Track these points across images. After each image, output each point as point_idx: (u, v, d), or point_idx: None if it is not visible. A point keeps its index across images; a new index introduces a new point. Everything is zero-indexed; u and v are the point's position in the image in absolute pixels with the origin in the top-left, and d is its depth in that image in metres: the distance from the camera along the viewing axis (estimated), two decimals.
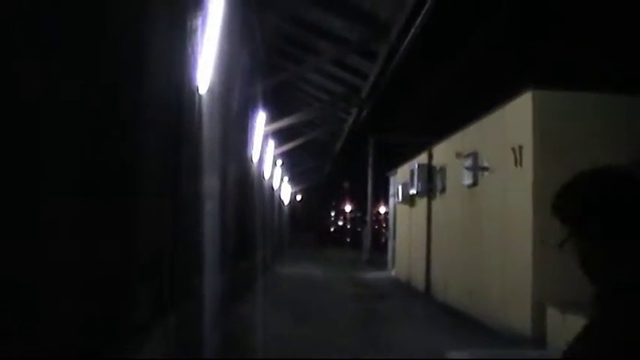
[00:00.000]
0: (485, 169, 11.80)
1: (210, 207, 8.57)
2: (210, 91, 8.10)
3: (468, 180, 12.47)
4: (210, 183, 8.61)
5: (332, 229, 64.87)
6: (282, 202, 32.72)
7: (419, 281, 17.33)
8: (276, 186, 25.17)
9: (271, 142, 19.16)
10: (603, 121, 9.64)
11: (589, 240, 1.72)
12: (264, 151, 17.46)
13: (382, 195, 34.87)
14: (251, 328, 10.20)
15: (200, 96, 7.67)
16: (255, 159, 15.24)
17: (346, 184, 55.22)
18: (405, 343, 9.94)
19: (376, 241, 34.94)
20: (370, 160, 29.26)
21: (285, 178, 31.16)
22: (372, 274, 22.72)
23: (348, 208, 64.63)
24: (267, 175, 19.65)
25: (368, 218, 31.30)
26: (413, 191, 17.19)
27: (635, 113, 9.60)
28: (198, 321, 7.45)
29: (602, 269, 1.72)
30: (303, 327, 10.68)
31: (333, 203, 69.20)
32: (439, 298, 14.86)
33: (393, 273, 22.44)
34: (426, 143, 17.01)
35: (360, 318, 12.25)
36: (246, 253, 14.15)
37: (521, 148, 9.92)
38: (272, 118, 17.33)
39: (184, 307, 6.92)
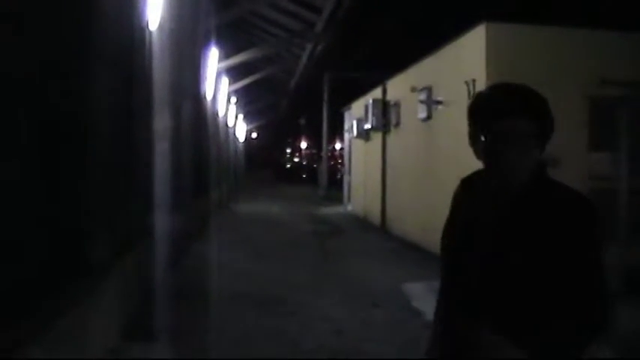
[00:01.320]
0: (439, 102, 11.84)
1: (164, 146, 8.45)
2: (161, 27, 7.88)
3: (422, 114, 12.50)
4: (163, 122, 8.46)
5: (288, 166, 64.88)
6: (238, 139, 32.49)
7: (375, 216, 17.53)
8: (230, 123, 24.93)
9: (225, 79, 18.88)
10: (558, 55, 9.70)
11: (531, 138, 1.92)
12: (218, 88, 17.20)
13: (338, 131, 34.84)
14: (207, 266, 10.22)
15: (150, 32, 7.45)
16: (209, 96, 15.00)
17: (302, 121, 55.04)
18: (364, 273, 10.10)
19: (332, 177, 35.09)
20: (325, 96, 29.08)
21: (240, 116, 30.88)
22: (329, 210, 22.86)
23: (304, 144, 64.65)
24: (221, 113, 19.41)
25: (323, 154, 31.32)
26: (368, 126, 17.19)
27: (591, 48, 9.67)
28: (155, 260, 7.43)
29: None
30: (260, 264, 10.73)
31: (289, 140, 69.15)
32: (395, 232, 15.07)
33: (349, 208, 22.61)
34: (382, 79, 16.94)
35: (318, 253, 12.35)
36: (202, 191, 14.07)
37: (474, 81, 9.94)
38: (226, 54, 17.02)
39: (141, 246, 6.88)
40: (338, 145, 49.15)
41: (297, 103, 38.37)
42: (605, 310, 1.88)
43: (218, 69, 15.76)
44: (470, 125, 2.02)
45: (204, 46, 14.19)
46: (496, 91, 1.99)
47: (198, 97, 13.49)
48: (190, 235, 11.80)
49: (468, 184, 2.14)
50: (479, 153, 1.98)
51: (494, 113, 1.92)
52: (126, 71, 6.39)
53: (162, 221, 7.86)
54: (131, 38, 6.69)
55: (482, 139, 1.95)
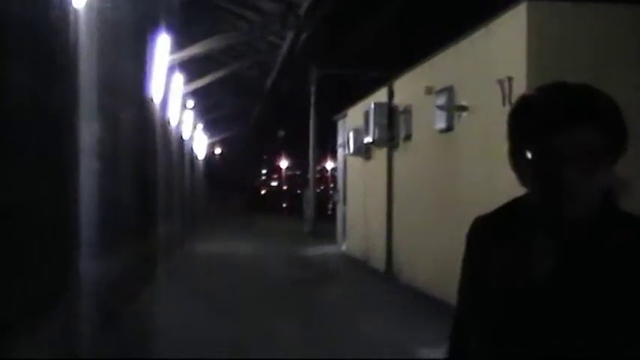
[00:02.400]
0: (463, 108, 11.75)
1: (93, 166, 8.27)
2: (90, 6, 7.72)
3: (440, 123, 12.40)
4: (93, 134, 8.29)
5: (264, 192, 64.98)
6: (196, 156, 32.39)
7: (378, 259, 17.39)
8: (187, 135, 24.82)
9: (180, 77, 18.76)
10: (626, 43, 9.59)
11: (605, 156, 1.86)
12: (169, 88, 17.06)
13: (329, 146, 34.89)
14: (148, 335, 9.98)
15: (76, 12, 7.29)
16: (156, 99, 14.84)
17: (281, 133, 55.16)
18: (366, 342, 9.91)
19: (322, 206, 35.08)
20: (312, 99, 29.12)
21: (200, 125, 30.82)
22: (318, 251, 22.84)
23: (284, 163, 64.77)
24: (174, 121, 19.27)
25: (310, 176, 31.26)
26: (368, 139, 17.08)
27: None
28: (78, 326, 7.19)
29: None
30: (222, 332, 10.50)
31: (266, 158, 69.28)
32: (405, 280, 14.91)
33: (343, 248, 22.53)
34: (386, 77, 16.88)
35: (303, 313, 12.18)
36: (146, 227, 13.87)
37: (511, 80, 9.85)
38: (181, 44, 16.93)
39: (58, 308, 6.65)
40: (330, 165, 49.22)
41: (276, 108, 38.40)
42: None
43: (170, 63, 15.61)
44: (510, 139, 1.97)
45: (151, 31, 14.06)
46: (548, 93, 1.93)
47: (141, 100, 13.33)
48: (129, 288, 11.55)
49: (499, 221, 2.08)
50: (524, 176, 1.93)
51: (548, 123, 1.85)
52: (39, 64, 6.18)
53: (89, 272, 7.63)
54: (47, 19, 6.49)
55: (530, 157, 1.88)
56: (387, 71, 16.94)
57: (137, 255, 12.80)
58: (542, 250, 1.94)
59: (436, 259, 12.87)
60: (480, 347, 2.05)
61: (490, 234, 2.10)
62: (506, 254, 2.02)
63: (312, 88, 28.87)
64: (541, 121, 1.86)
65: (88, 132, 7.97)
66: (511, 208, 2.06)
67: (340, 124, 23.71)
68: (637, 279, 1.83)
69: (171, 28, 15.37)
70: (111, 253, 9.39)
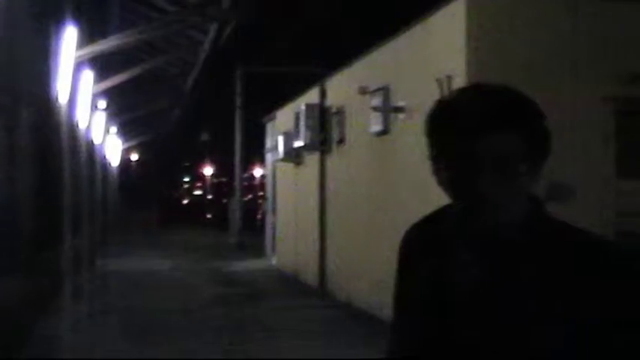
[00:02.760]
0: (400, 109, 11.81)
1: None
2: None
3: (376, 126, 12.44)
4: None
5: (186, 202, 64.59)
6: (108, 163, 32.01)
7: (310, 273, 17.41)
8: (97, 140, 24.51)
9: (89, 74, 18.51)
10: (571, 41, 9.73)
11: (520, 163, 1.87)
12: (77, 86, 16.82)
13: (258, 150, 34.83)
14: (59, 356, 9.81)
15: None
16: (62, 98, 14.62)
17: (206, 137, 54.93)
18: None
19: (250, 216, 34.97)
20: (238, 100, 29.01)
21: (113, 129, 30.47)
22: (245, 265, 22.78)
23: (209, 170, 64.43)
24: (82, 124, 19.01)
25: (237, 184, 31.14)
26: (299, 143, 17.07)
27: (623, 29, 9.74)
28: None
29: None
30: (142, 353, 10.40)
31: (188, 164, 68.85)
32: (339, 296, 14.91)
33: (273, 262, 22.54)
34: (318, 77, 16.90)
35: (226, 331, 12.17)
36: (49, 241, 13.62)
37: (450, 79, 9.93)
38: (91, 37, 16.72)
39: None
40: (259, 171, 49.12)
41: (199, 110, 38.20)
42: None
43: (78, 59, 15.38)
44: (430, 146, 1.95)
45: (55, 23, 13.84)
46: (466, 96, 1.95)
47: (44, 100, 13.11)
48: (31, 311, 11.32)
49: (425, 230, 2.11)
50: (443, 183, 1.94)
51: (464, 128, 1.87)
52: None
53: None
54: None
55: (447, 163, 1.89)
56: (320, 70, 16.96)
57: (40, 274, 12.55)
58: (463, 260, 1.95)
59: (371, 272, 12.89)
60: None
61: (417, 244, 2.12)
62: (430, 265, 2.03)
63: (239, 88, 28.76)
64: (458, 127, 1.86)
65: None
66: (439, 215, 2.08)
67: (269, 127, 23.67)
68: (560, 287, 1.84)
69: (80, 20, 15.17)
70: (9, 267, 9.21)
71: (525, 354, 1.84)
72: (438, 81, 10.12)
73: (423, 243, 2.09)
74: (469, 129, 1.84)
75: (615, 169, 9.37)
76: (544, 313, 1.83)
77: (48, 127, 13.30)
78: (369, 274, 13.21)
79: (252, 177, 52.11)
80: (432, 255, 2.04)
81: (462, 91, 1.99)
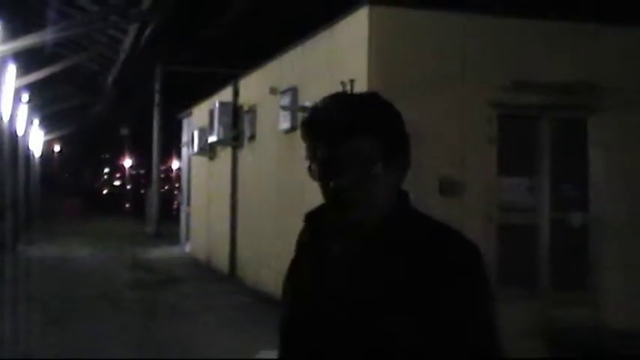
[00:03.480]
0: (306, 109, 11.83)
1: None
2: None
3: (285, 123, 12.48)
4: None
5: (106, 192, 63.61)
6: (31, 154, 31.34)
7: (221, 260, 17.39)
8: (20, 131, 23.99)
9: (12, 68, 18.13)
10: (461, 50, 9.89)
11: (374, 164, 1.92)
12: (1, 80, 16.46)
13: (174, 145, 34.54)
14: None
15: None
16: None
17: (125, 131, 54.10)
18: (206, 343, 9.94)
19: (167, 206, 34.74)
20: (157, 97, 28.75)
21: (36, 121, 29.84)
22: (160, 252, 22.58)
23: (128, 162, 63.51)
24: (5, 116, 18.61)
25: (154, 176, 30.84)
26: (213, 138, 17.02)
27: (504, 40, 9.93)
28: None
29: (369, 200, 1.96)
30: (60, 334, 10.28)
31: (108, 156, 67.78)
32: (248, 281, 14.94)
33: (187, 249, 22.45)
34: (232, 76, 16.88)
35: (141, 314, 12.05)
36: None
37: (352, 82, 10.00)
38: (13, 32, 16.35)
39: None
40: (175, 164, 48.66)
41: (119, 105, 37.66)
42: None
43: (1, 53, 15.07)
44: (305, 148, 2.02)
45: None
46: (329, 104, 2.00)
47: None
48: None
49: (314, 219, 2.14)
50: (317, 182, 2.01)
51: (326, 132, 1.94)
52: None
53: None
54: None
55: (315, 165, 1.97)
56: (234, 69, 16.93)
57: None
58: (334, 252, 2.01)
59: (278, 260, 12.95)
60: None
61: (305, 235, 2.18)
62: (310, 256, 2.11)
63: (157, 86, 28.50)
64: (321, 132, 1.94)
65: None
66: (323, 209, 2.11)
67: (185, 123, 23.53)
68: (419, 275, 1.86)
69: (2, 16, 14.85)
70: None
71: (374, 339, 1.85)
72: (342, 84, 10.16)
73: (309, 235, 2.15)
74: (330, 134, 1.92)
75: (497, 168, 9.59)
76: (396, 299, 1.85)
77: None
78: (276, 262, 13.26)
79: (169, 169, 51.63)
80: (314, 247, 2.10)
81: (329, 98, 2.01)
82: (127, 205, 49.95)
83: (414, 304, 1.84)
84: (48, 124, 34.35)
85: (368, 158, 1.91)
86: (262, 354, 8.59)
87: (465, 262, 1.90)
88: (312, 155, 1.98)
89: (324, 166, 1.94)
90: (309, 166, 1.99)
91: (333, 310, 1.93)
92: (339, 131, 1.91)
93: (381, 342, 1.84)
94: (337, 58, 10.82)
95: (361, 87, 9.75)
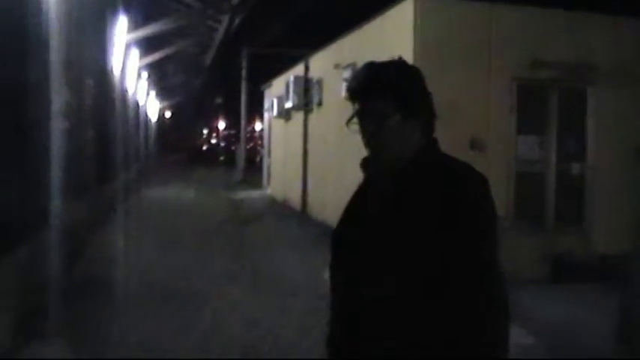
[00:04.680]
0: None
1: (63, 126, 8.12)
2: None
3: (345, 93, 12.47)
4: (62, 99, 8.11)
5: (204, 148, 64.21)
6: (149, 119, 31.80)
7: (295, 200, 17.48)
8: (141, 101, 24.34)
9: (135, 52, 18.35)
10: (488, 34, 9.76)
11: (390, 117, 1.93)
12: (126, 62, 16.70)
13: (257, 111, 34.68)
14: (112, 257, 9.90)
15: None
16: (116, 71, 14.54)
17: (219, 100, 54.44)
18: (282, 262, 10.07)
19: (251, 159, 35.00)
20: (244, 72, 28.82)
21: (152, 93, 30.22)
22: (247, 194, 22.72)
23: (221, 125, 63.98)
24: (130, 90, 18.88)
25: (242, 135, 31.07)
26: (288, 105, 17.08)
27: (523, 27, 9.79)
28: (53, 251, 7.13)
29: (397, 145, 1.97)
30: (171, 254, 10.49)
31: (206, 120, 68.30)
32: (316, 217, 15.07)
33: (268, 192, 22.52)
34: (304, 55, 16.85)
35: (233, 241, 12.22)
36: (108, 175, 13.66)
37: (401, 59, 9.94)
38: (136, 25, 16.53)
39: (37, 237, 6.57)
40: (258, 126, 48.88)
41: (214, 80, 37.93)
42: (495, 288, 1.86)
43: (127, 41, 15.27)
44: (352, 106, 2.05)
45: (111, 14, 13.70)
46: (364, 70, 2.03)
47: (103, 71, 13.04)
48: (95, 222, 11.43)
49: (365, 163, 2.15)
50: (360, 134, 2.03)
51: (360, 93, 1.99)
52: (17, 41, 6.04)
53: (61, 209, 7.53)
54: (25, 5, 6.33)
55: (354, 119, 2.01)
56: (305, 49, 16.89)
57: (101, 197, 12.65)
58: (373, 183, 2.06)
59: (339, 200, 13.05)
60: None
61: (363, 169, 2.18)
62: (359, 188, 2.15)
63: (244, 64, 28.59)
64: (357, 92, 2.00)
65: (59, 98, 7.83)
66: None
67: (266, 93, 23.56)
68: (445, 206, 1.85)
69: (129, 11, 15.03)
70: (79, 196, 9.29)
71: (390, 242, 1.87)
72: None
73: (363, 169, 2.15)
74: (356, 93, 2.00)
75: (516, 129, 9.54)
76: (407, 214, 1.87)
77: (105, 92, 13.26)
78: (337, 203, 13.36)
79: (254, 130, 51.88)
80: (363, 181, 2.14)
81: (365, 66, 2.05)
82: (221, 158, 50.31)
83: (435, 222, 1.84)
84: (161, 95, 34.74)
85: (384, 111, 1.94)
86: (326, 274, 8.78)
87: (476, 189, 1.90)
88: (354, 111, 2.03)
89: (358, 120, 2.00)
90: (349, 120, 2.05)
91: (368, 218, 1.98)
92: (361, 91, 1.98)
93: (403, 249, 1.86)
94: (388, 39, 10.76)
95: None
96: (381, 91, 1.95)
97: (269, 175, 23.15)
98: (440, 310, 1.81)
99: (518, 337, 5.93)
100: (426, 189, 1.89)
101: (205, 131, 71.72)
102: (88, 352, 5.56)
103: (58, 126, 7.66)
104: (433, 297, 1.82)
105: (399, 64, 2.05)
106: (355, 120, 2.02)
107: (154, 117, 34.81)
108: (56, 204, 7.32)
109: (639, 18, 10.00)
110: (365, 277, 1.92)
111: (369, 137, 1.97)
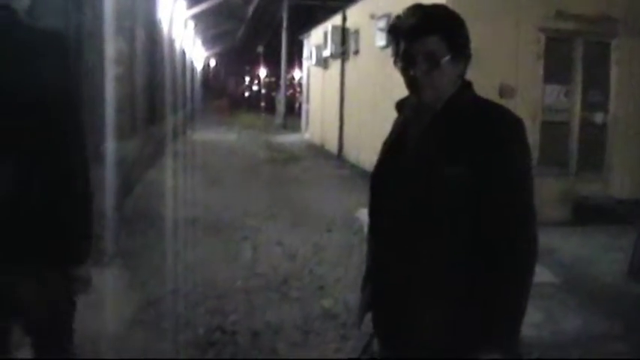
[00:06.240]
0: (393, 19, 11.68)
1: (118, 71, 8.23)
2: None
3: (381, 41, 12.34)
4: (116, 46, 8.21)
5: (247, 95, 64.20)
6: (195, 66, 31.84)
7: (332, 143, 17.51)
8: (187, 50, 24.36)
9: (182, 3, 18.29)
10: None
11: (443, 56, 1.92)
12: (174, 12, 16.69)
13: (297, 60, 34.49)
14: (162, 192, 10.12)
15: None
16: (164, 21, 14.57)
17: (260, 49, 54.07)
18: (319, 200, 10.18)
19: (291, 105, 34.95)
20: (284, 23, 28.62)
21: (198, 42, 30.18)
22: (287, 138, 22.79)
23: (262, 73, 63.74)
24: (178, 39, 18.91)
25: (282, 82, 31.01)
26: (326, 53, 16.99)
27: None
28: (108, 186, 7.32)
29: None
30: (216, 191, 10.68)
31: (248, 68, 68.08)
32: (351, 160, 15.12)
33: (306, 136, 22.55)
34: (342, 6, 16.66)
35: (273, 180, 12.36)
36: (157, 118, 13.84)
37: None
38: None
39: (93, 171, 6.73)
40: (297, 74, 48.62)
41: (256, 29, 37.61)
42: (533, 229, 1.89)
43: None
44: (392, 50, 2.02)
45: None
46: (408, 12, 1.99)
47: (153, 22, 13.08)
48: (146, 161, 11.65)
49: (401, 105, 2.17)
50: (402, 75, 2.00)
51: (404, 34, 1.94)
52: None
53: (117, 147, 7.71)
54: None
55: (398, 60, 1.97)
56: (343, 1, 16.72)
57: (152, 138, 12.84)
58: (410, 120, 2.08)
59: (373, 144, 13.07)
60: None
61: (397, 118, 2.22)
62: (397, 124, 2.18)
63: (284, 13, 28.39)
64: (401, 33, 1.96)
65: (112, 45, 7.92)
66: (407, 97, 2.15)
67: (305, 42, 23.39)
68: (483, 144, 1.88)
69: None
70: (133, 135, 9.45)
71: (432, 178, 1.89)
72: None
73: (398, 111, 2.19)
74: (405, 34, 1.93)
75: (543, 78, 9.41)
76: (449, 151, 1.89)
77: (155, 41, 13.32)
78: (371, 146, 13.39)
79: (293, 78, 51.62)
80: (400, 118, 2.16)
81: (408, 9, 2.00)
82: (262, 104, 50.35)
83: (471, 159, 1.86)
84: (207, 44, 34.67)
85: (435, 53, 1.90)
86: (360, 212, 8.87)
87: (513, 130, 1.92)
88: (396, 52, 1.99)
89: (404, 60, 1.95)
90: (394, 61, 2.00)
91: (407, 158, 2.00)
92: (413, 32, 1.92)
93: (439, 183, 1.88)
94: None
95: None
96: (434, 31, 1.91)
97: (307, 120, 23.14)
98: (479, 247, 1.85)
99: (538, 275, 6.00)
100: (465, 129, 1.90)
101: (248, 78, 71.57)
102: (140, 275, 5.78)
103: (111, 72, 7.77)
104: (475, 236, 1.86)
105: (446, 8, 2.01)
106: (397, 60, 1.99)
107: (199, 65, 34.83)
108: (110, 144, 7.48)
109: None
110: (404, 219, 1.94)
111: (422, 75, 1.92)
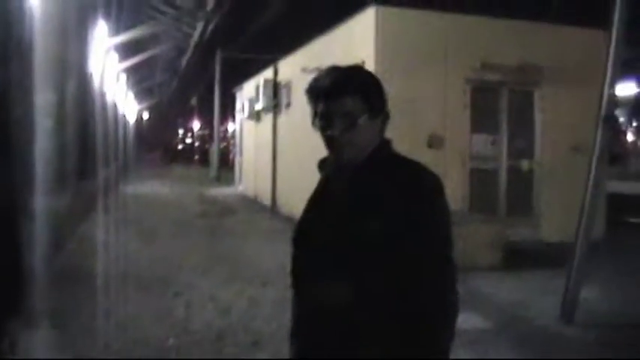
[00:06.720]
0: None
1: (46, 125, 8.02)
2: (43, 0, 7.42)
3: None
4: (46, 100, 8.01)
5: (180, 147, 63.80)
6: (127, 119, 31.48)
7: (265, 196, 17.47)
8: (120, 103, 24.08)
9: (115, 56, 18.13)
10: (443, 40, 9.91)
11: (360, 116, 1.92)
12: (106, 65, 16.51)
13: (230, 112, 34.56)
14: (93, 247, 9.82)
15: (31, 5, 7.00)
16: (96, 74, 14.38)
17: (194, 101, 54.07)
18: (253, 252, 10.04)
19: (224, 158, 34.88)
20: (217, 75, 28.76)
21: (131, 95, 29.90)
22: (220, 191, 22.65)
23: (196, 125, 63.58)
24: (110, 92, 18.67)
25: (215, 135, 30.95)
26: (259, 106, 17.06)
27: (474, 34, 9.93)
28: (36, 243, 7.03)
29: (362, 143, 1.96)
30: (148, 245, 10.43)
31: (181, 121, 67.88)
32: (285, 213, 15.06)
33: (240, 189, 22.50)
34: (273, 59, 16.85)
35: (207, 234, 12.18)
36: (88, 172, 13.50)
37: (364, 63, 10.01)
38: (115, 31, 16.35)
39: (21, 228, 6.48)
40: (230, 127, 48.68)
41: (189, 82, 37.68)
42: (443, 283, 1.87)
43: (107, 45, 15.09)
44: (311, 107, 2.03)
45: (91, 20, 13.54)
46: (325, 73, 2.00)
47: (85, 75, 12.89)
48: (76, 216, 11.31)
49: (323, 163, 2.18)
50: (320, 134, 2.00)
51: (322, 95, 1.95)
52: (2, 44, 5.95)
53: (44, 202, 7.45)
54: (8, 10, 6.24)
55: (316, 119, 1.98)
56: (275, 54, 16.90)
57: (83, 192, 12.51)
58: (332, 178, 2.08)
59: (305, 197, 13.09)
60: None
61: (321, 172, 2.22)
62: (320, 182, 2.18)
63: (217, 67, 28.51)
64: (317, 93, 1.97)
65: (44, 99, 7.72)
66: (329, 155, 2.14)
67: (238, 95, 23.50)
68: (395, 193, 1.88)
69: (108, 18, 14.87)
70: (62, 190, 9.19)
71: (350, 232, 1.89)
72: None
73: (320, 170, 2.20)
74: (323, 95, 1.94)
75: (470, 128, 9.68)
76: (367, 206, 1.88)
77: (86, 93, 13.11)
78: (303, 199, 13.37)
79: (226, 130, 51.66)
80: (323, 177, 2.16)
81: (325, 70, 2.01)
82: (196, 157, 50.03)
83: (389, 213, 1.86)
84: (140, 96, 34.41)
85: (352, 112, 1.92)
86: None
87: (429, 186, 1.93)
88: (314, 112, 1.99)
89: (322, 120, 1.96)
90: (312, 122, 2.01)
91: (327, 213, 2.00)
92: (330, 93, 1.93)
93: (360, 237, 1.87)
94: (352, 45, 10.83)
95: (370, 67, 9.77)
96: (351, 92, 1.92)
97: (241, 173, 23.09)
98: (397, 300, 1.83)
99: (470, 321, 6.04)
100: (383, 184, 1.91)
101: (181, 131, 71.24)
102: (68, 334, 5.52)
103: (40, 124, 7.56)
104: (391, 288, 1.84)
105: (363, 69, 2.05)
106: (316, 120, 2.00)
107: (132, 118, 34.46)
108: (38, 198, 7.23)
109: (579, 27, 10.23)
110: (324, 272, 1.93)
111: (339, 135, 1.93)
